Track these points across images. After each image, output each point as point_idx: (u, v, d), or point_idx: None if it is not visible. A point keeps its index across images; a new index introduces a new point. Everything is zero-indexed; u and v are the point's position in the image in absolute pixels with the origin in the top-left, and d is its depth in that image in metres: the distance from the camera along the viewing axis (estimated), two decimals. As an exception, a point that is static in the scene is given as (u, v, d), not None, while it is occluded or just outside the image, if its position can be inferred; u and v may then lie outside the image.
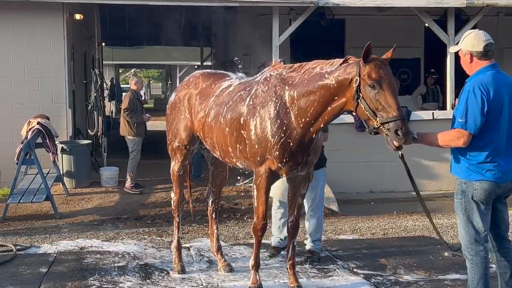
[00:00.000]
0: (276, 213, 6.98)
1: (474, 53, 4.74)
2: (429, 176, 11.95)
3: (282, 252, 6.83)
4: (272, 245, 7.05)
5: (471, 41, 4.75)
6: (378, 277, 6.26)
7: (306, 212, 6.84)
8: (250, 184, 10.15)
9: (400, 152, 4.94)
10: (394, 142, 4.65)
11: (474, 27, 11.31)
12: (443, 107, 13.92)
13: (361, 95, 4.81)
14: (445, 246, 7.21)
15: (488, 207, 4.74)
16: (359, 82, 4.81)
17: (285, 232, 6.67)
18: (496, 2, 12.27)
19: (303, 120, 5.17)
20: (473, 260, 4.74)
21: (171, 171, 6.48)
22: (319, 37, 15.12)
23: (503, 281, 4.87)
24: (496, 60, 4.88)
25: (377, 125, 4.74)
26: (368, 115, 4.79)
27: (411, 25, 15.17)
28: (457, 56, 4.95)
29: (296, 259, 5.95)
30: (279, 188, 6.62)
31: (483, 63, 4.74)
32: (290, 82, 5.28)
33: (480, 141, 4.64)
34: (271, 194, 6.27)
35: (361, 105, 4.82)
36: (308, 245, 6.92)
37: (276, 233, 7.04)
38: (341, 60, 5.06)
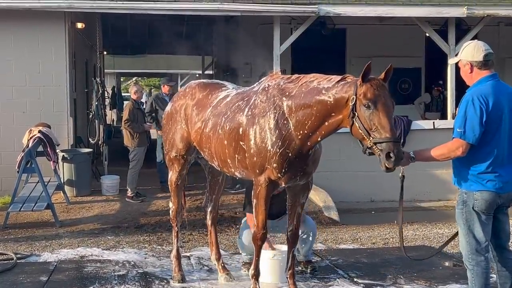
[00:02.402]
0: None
1: (474, 63, 4.75)
2: (429, 186, 11.94)
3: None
4: (247, 261, 6.74)
5: (470, 51, 4.77)
6: (378, 287, 6.26)
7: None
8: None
9: (401, 174, 4.95)
10: (386, 164, 4.66)
11: (474, 37, 11.36)
12: (444, 117, 13.94)
13: (356, 114, 4.83)
14: (444, 256, 7.22)
15: (489, 217, 4.74)
16: (355, 101, 4.83)
17: None
18: (496, 12, 12.30)
19: (301, 132, 5.18)
20: (474, 270, 4.74)
21: (169, 181, 6.49)
22: (320, 47, 15.17)
23: (503, 291, 4.87)
24: (496, 70, 4.90)
25: (370, 145, 4.76)
26: (363, 134, 4.81)
27: (412, 34, 15.20)
28: (457, 66, 4.97)
29: (296, 268, 5.95)
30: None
31: (483, 73, 4.75)
32: (287, 93, 5.29)
33: (481, 152, 4.65)
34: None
35: (356, 124, 4.84)
36: (302, 257, 6.82)
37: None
38: (339, 77, 5.08)
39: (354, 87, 4.85)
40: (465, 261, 4.81)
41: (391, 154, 4.61)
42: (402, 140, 11.69)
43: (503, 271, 4.86)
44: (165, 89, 11.94)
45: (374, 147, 4.72)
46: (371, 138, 4.74)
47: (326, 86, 5.07)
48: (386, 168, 4.67)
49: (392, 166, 4.64)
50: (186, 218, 7.17)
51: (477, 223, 4.71)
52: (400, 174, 4.99)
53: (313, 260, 6.87)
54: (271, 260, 6.30)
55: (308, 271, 6.66)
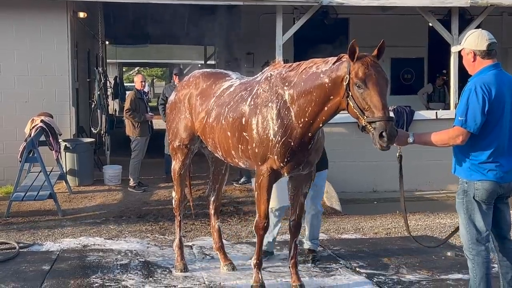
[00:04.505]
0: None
1: (477, 52, 4.73)
2: (431, 176, 11.93)
3: (279, 253, 6.77)
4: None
5: (474, 40, 4.75)
6: (380, 277, 6.26)
7: (306, 211, 6.77)
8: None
9: (398, 153, 4.95)
10: (379, 143, 4.66)
11: (478, 27, 11.29)
12: (447, 107, 13.91)
13: (350, 94, 4.83)
14: (446, 246, 7.22)
15: (489, 207, 4.73)
16: (349, 80, 4.82)
17: (274, 234, 6.65)
18: (500, 2, 12.24)
19: (302, 120, 5.17)
20: (474, 260, 4.74)
21: (172, 170, 6.49)
22: (322, 36, 15.11)
23: (505, 281, 4.86)
24: (499, 59, 4.88)
25: (364, 124, 4.77)
26: (357, 113, 4.81)
27: (415, 24, 15.16)
28: (460, 55, 4.95)
29: (298, 258, 5.96)
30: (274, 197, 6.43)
31: (486, 62, 4.73)
32: (288, 81, 5.29)
33: (482, 141, 4.63)
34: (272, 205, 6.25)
35: (351, 103, 4.84)
36: (307, 244, 6.88)
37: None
38: (335, 58, 5.06)
39: (348, 66, 4.84)
40: (465, 250, 4.81)
41: (384, 133, 4.61)
42: (404, 129, 11.68)
43: (505, 261, 4.86)
44: (176, 79, 11.86)
45: (368, 126, 4.73)
46: (364, 117, 4.75)
47: (324, 69, 5.06)
48: (381, 146, 4.67)
49: (385, 145, 4.64)
50: (192, 207, 7.15)
51: (477, 213, 4.70)
52: (397, 154, 4.99)
53: (317, 250, 6.87)
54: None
55: (310, 260, 6.67)
